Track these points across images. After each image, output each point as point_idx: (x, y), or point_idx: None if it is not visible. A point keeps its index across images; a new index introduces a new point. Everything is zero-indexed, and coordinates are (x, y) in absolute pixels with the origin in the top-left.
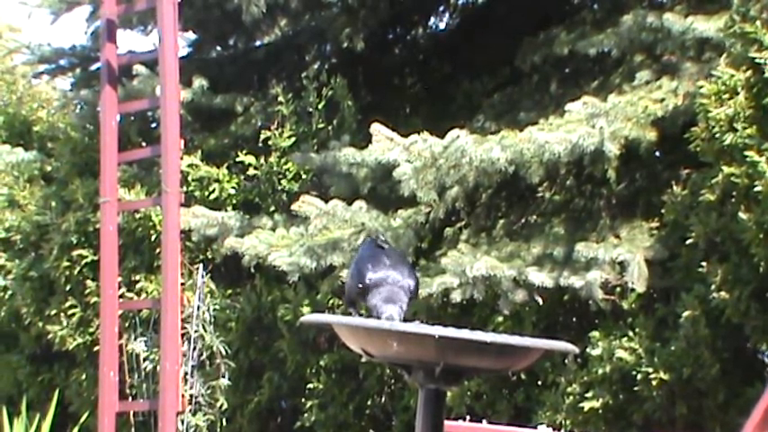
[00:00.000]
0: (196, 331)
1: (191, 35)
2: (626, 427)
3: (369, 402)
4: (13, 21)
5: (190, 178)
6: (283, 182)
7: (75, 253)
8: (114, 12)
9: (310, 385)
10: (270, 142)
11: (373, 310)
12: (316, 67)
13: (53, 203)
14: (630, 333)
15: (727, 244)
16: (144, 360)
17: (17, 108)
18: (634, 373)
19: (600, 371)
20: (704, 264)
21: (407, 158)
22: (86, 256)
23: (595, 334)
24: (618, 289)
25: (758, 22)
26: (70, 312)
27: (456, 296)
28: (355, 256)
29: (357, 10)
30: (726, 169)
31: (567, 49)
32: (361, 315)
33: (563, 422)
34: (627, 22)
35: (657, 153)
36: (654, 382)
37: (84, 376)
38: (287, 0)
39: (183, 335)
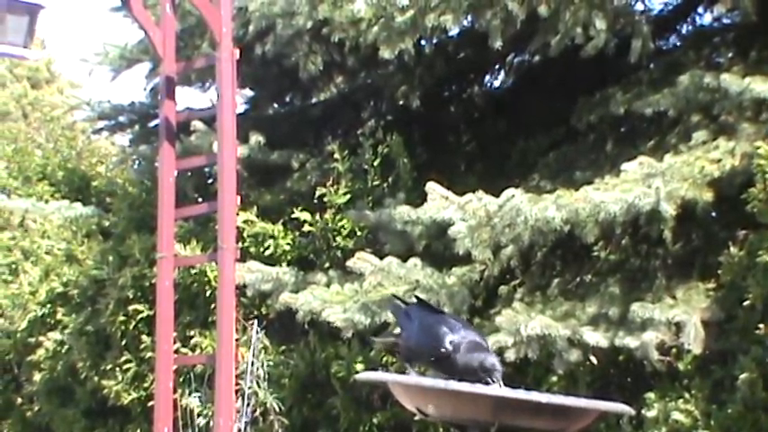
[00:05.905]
0: (250, 387)
1: (248, 92)
2: None
3: None
4: (74, 77)
5: (245, 234)
6: (338, 238)
7: (131, 308)
8: (174, 69)
9: None
10: (325, 199)
11: (472, 365)
12: (371, 124)
13: (110, 258)
14: (686, 395)
15: None
16: (198, 415)
17: (76, 163)
18: None
19: None
20: (761, 326)
21: (462, 217)
22: (142, 311)
23: (651, 395)
24: (674, 350)
25: None
26: (125, 367)
27: (510, 355)
28: (404, 322)
29: (413, 68)
30: None
31: (623, 109)
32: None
33: None
34: (683, 83)
35: (714, 213)
36: None
37: (138, 431)
38: (343, 58)
39: (236, 391)
